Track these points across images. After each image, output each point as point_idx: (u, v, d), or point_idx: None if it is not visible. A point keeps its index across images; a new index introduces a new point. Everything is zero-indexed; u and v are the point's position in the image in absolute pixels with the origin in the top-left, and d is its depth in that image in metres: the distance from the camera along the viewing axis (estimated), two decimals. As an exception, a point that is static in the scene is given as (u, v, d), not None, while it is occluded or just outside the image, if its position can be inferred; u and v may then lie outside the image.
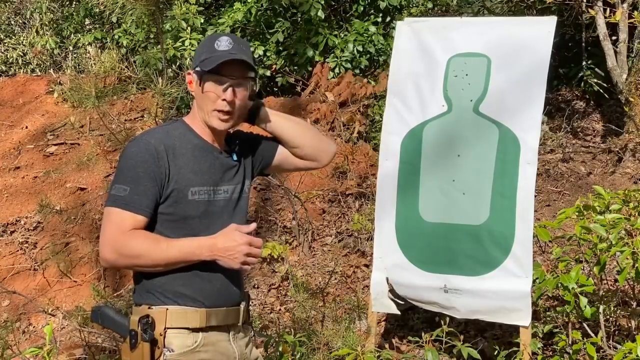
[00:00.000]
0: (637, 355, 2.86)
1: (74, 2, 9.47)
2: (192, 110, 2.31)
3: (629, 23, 5.59)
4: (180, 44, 7.24)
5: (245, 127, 2.48)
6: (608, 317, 3.55)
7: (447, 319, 3.38)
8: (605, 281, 3.63)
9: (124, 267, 2.17)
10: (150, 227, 2.16)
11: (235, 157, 2.31)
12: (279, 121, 2.39)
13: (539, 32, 3.47)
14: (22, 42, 9.68)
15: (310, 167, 2.52)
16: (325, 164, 2.49)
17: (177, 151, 2.19)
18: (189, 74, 2.27)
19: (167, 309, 2.16)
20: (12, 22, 10.42)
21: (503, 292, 3.34)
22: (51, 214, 5.74)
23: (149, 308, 2.16)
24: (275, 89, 7.88)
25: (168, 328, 2.15)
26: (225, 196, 2.26)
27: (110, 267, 2.19)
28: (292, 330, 3.93)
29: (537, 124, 3.41)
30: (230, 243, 2.11)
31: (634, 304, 3.48)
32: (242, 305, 2.30)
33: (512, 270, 3.33)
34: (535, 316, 3.66)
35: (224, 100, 2.19)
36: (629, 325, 3.54)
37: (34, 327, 4.95)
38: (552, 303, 4.00)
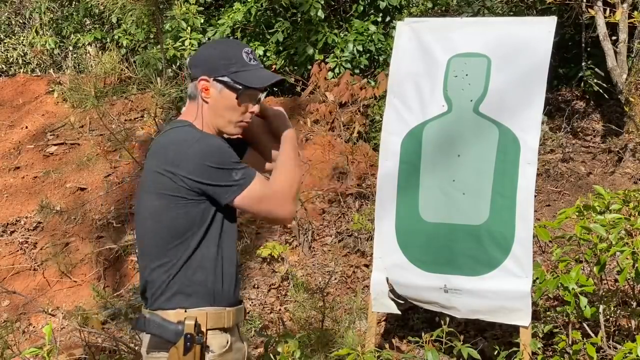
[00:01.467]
0: (637, 356, 2.86)
1: (74, 2, 9.46)
2: (197, 115, 2.24)
3: (629, 23, 5.59)
4: (180, 44, 7.24)
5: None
6: (608, 317, 3.55)
7: (447, 319, 3.38)
8: (605, 281, 3.63)
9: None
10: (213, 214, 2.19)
11: None
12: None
13: (539, 32, 3.47)
14: (22, 42, 9.68)
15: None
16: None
17: None
18: (206, 80, 2.20)
19: (206, 312, 2.16)
20: (12, 22, 10.42)
21: (503, 292, 3.34)
22: (51, 214, 5.74)
23: (185, 311, 2.15)
24: (275, 89, 7.88)
25: (208, 330, 2.17)
26: None
27: (294, 214, 2.30)
28: (292, 330, 3.93)
29: (537, 124, 3.41)
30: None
31: (634, 304, 3.48)
32: (244, 302, 2.38)
33: (512, 270, 3.33)
34: (535, 316, 3.66)
35: (252, 112, 2.26)
36: (629, 325, 3.54)
37: (34, 327, 4.95)
38: (552, 303, 4.00)
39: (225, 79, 2.18)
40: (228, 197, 2.13)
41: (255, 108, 2.25)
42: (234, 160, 2.15)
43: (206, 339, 2.15)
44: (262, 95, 2.30)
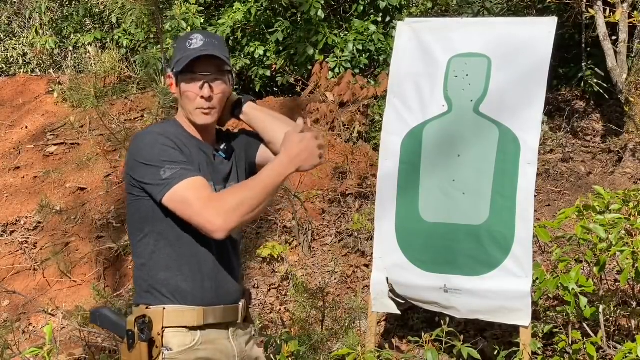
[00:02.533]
0: (637, 355, 2.86)
1: (74, 2, 9.46)
2: (179, 109, 2.32)
3: (629, 23, 5.59)
4: (180, 44, 7.21)
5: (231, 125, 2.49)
6: (608, 317, 3.55)
7: (447, 319, 3.38)
8: (605, 281, 3.63)
9: (237, 224, 2.05)
10: (160, 219, 2.14)
11: (224, 155, 2.32)
12: (258, 115, 2.37)
13: (539, 33, 3.47)
14: (23, 42, 9.68)
15: None
16: None
17: (180, 144, 2.19)
18: (169, 76, 2.26)
19: (164, 308, 2.15)
20: (12, 22, 10.42)
21: (503, 292, 3.34)
22: (51, 214, 5.74)
23: (146, 308, 2.16)
24: (276, 89, 7.88)
25: (166, 327, 2.14)
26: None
27: (224, 231, 2.04)
28: (292, 330, 3.93)
29: (537, 124, 3.41)
30: (302, 145, 2.09)
31: (634, 304, 3.48)
32: (241, 303, 2.30)
33: (512, 270, 3.33)
34: (535, 316, 3.66)
35: (202, 97, 2.20)
36: (629, 325, 3.55)
37: (34, 327, 4.95)
38: (552, 303, 4.00)
39: (175, 70, 2.22)
40: (158, 196, 2.09)
41: (205, 92, 2.18)
42: (165, 159, 2.09)
43: (162, 336, 2.13)
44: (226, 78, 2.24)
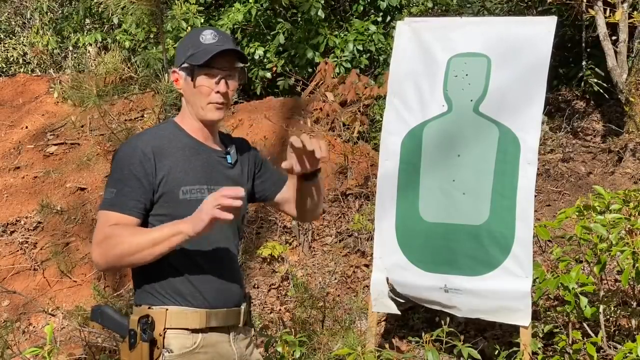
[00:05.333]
0: (637, 355, 2.86)
1: (74, 2, 9.46)
2: (181, 109, 2.29)
3: (629, 23, 5.60)
4: (180, 44, 7.22)
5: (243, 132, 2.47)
6: (608, 317, 3.55)
7: (447, 318, 3.38)
8: (605, 281, 3.63)
9: (117, 268, 2.13)
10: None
11: (230, 160, 2.29)
12: (317, 188, 2.36)
13: (539, 32, 3.47)
14: (22, 42, 9.68)
15: (293, 218, 2.57)
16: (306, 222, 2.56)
17: (166, 152, 2.16)
18: (175, 72, 2.25)
19: (167, 309, 2.14)
20: (13, 22, 10.42)
21: (503, 292, 3.34)
22: (51, 214, 5.74)
23: (149, 308, 2.15)
24: (276, 90, 7.88)
25: (167, 328, 2.13)
26: None
27: (101, 269, 2.12)
28: (292, 330, 3.93)
29: (537, 124, 3.41)
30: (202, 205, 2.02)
31: (634, 304, 3.48)
32: (243, 307, 2.29)
33: (512, 270, 3.33)
34: (535, 316, 3.66)
35: (218, 92, 2.19)
36: (629, 325, 3.55)
37: (34, 327, 4.95)
38: (552, 303, 4.00)
39: (185, 64, 2.20)
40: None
41: (221, 87, 2.18)
42: (118, 179, 2.11)
43: (164, 337, 2.12)
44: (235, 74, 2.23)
